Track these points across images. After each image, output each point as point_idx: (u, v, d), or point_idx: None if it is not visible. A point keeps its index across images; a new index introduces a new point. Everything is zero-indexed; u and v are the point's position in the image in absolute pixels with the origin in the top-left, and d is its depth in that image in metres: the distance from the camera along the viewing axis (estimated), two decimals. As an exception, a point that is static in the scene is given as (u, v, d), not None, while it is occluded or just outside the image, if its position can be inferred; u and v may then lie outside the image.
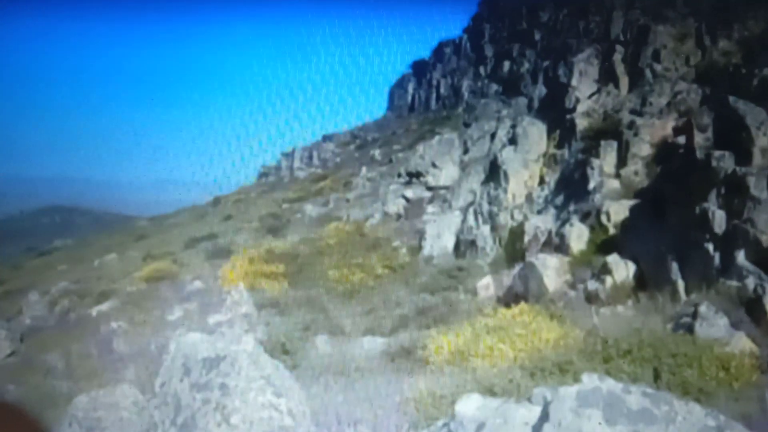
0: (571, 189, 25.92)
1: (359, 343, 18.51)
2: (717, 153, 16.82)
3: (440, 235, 30.81)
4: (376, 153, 59.96)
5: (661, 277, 17.19)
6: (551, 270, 20.50)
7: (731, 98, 17.42)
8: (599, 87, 29.88)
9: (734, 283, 14.51)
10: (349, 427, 10.34)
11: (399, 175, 43.46)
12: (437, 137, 44.11)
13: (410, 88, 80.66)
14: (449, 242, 30.45)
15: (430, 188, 39.77)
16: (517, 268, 22.36)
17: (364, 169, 53.48)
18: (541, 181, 29.21)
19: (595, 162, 24.79)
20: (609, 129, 25.98)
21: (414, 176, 41.49)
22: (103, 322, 24.89)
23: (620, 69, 29.37)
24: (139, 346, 20.62)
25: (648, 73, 27.86)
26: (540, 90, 42.29)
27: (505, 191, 29.27)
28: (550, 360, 12.44)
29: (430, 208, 37.20)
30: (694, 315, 13.46)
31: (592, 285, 18.82)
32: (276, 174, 75.88)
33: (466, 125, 48.32)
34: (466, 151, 41.11)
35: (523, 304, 18.12)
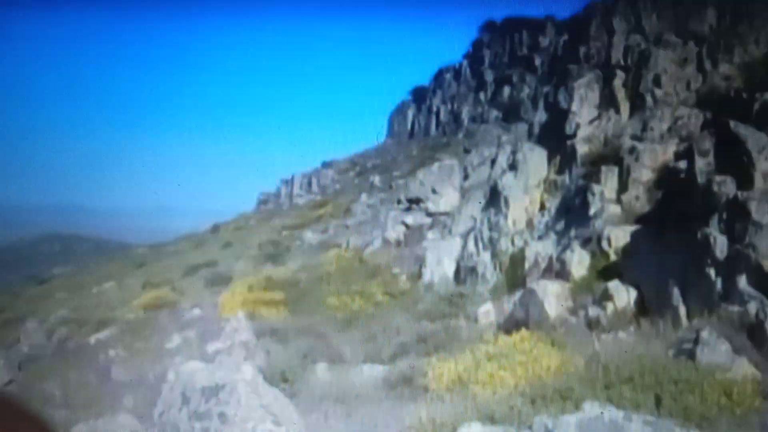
0: (572, 215, 25.87)
1: (359, 370, 18.42)
2: (718, 178, 16.78)
3: (440, 261, 30.72)
4: (376, 179, 60.10)
5: (662, 303, 17.10)
6: (552, 296, 20.41)
7: (732, 123, 17.38)
8: (600, 112, 29.86)
9: (736, 308, 14.42)
10: (348, 456, 10.26)
11: (399, 202, 43.49)
12: (437, 163, 44.17)
13: (410, 114, 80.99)
14: (449, 269, 30.35)
15: (430, 214, 39.74)
16: (517, 295, 22.26)
17: (363, 196, 53.56)
18: (542, 207, 29.15)
19: (596, 187, 24.74)
20: (610, 154, 25.96)
21: (414, 202, 41.50)
22: (102, 351, 24.83)
23: (621, 94, 29.38)
24: (137, 374, 20.57)
25: (649, 98, 27.86)
26: (540, 115, 42.30)
27: (506, 217, 29.20)
28: (551, 387, 12.37)
29: (430, 235, 37.13)
30: (696, 341, 13.37)
31: (593, 311, 18.73)
32: (275, 201, 76.12)
33: (466, 151, 48.50)
34: (466, 177, 41.15)
35: (523, 331, 18.04)
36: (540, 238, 27.09)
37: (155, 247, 70.06)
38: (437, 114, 73.64)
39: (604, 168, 25.16)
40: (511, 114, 54.00)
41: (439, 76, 79.99)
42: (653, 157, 24.33)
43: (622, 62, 31.62)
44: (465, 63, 75.14)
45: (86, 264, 74.01)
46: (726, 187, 16.43)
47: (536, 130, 40.21)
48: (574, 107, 30.41)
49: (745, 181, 16.23)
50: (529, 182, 29.90)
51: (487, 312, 22.96)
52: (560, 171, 29.29)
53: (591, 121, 29.75)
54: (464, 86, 71.97)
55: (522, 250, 26.17)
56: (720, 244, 15.67)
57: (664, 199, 20.81)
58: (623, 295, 18.56)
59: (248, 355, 19.47)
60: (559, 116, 31.73)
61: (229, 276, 36.14)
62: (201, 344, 22.71)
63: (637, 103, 28.52)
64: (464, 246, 30.68)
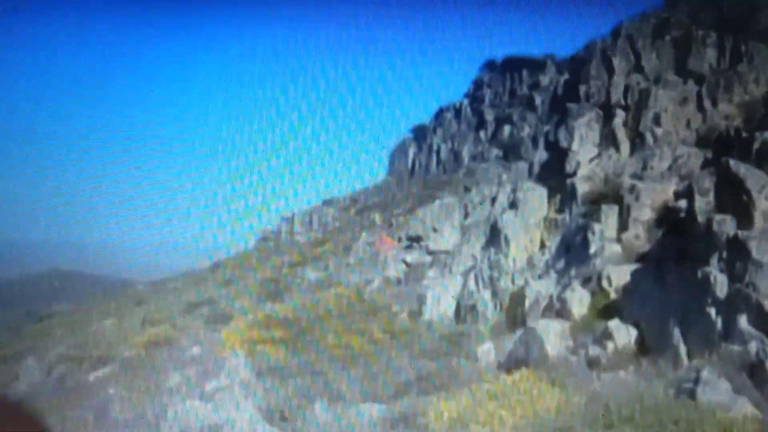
0: (572, 253, 25.89)
1: (359, 409, 18.33)
2: (718, 217, 16.79)
3: (440, 300, 30.69)
4: (377, 217, 60.01)
5: (662, 342, 17.07)
6: (552, 335, 20.37)
7: (732, 162, 17.45)
8: (600, 151, 29.99)
9: (736, 347, 14.40)
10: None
11: (399, 240, 43.47)
12: (437, 202, 44.21)
13: (410, 152, 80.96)
14: (450, 307, 30.31)
15: (430, 253, 39.74)
16: (518, 334, 22.23)
17: (364, 234, 53.43)
18: (542, 246, 29.21)
19: (596, 226, 24.78)
20: (610, 193, 26.03)
21: (414, 240, 41.51)
22: (101, 388, 24.69)
23: (621, 133, 29.51)
24: (136, 412, 20.41)
25: (649, 136, 27.98)
26: (541, 154, 42.36)
27: (506, 256, 29.23)
28: (551, 427, 12.33)
29: (430, 273, 37.09)
30: (697, 380, 13.34)
31: (594, 350, 18.68)
32: (276, 238, 75.85)
33: (467, 189, 48.45)
34: (466, 215, 41.18)
35: (524, 370, 18.00)
36: (540, 276, 27.10)
37: (155, 284, 69.74)
38: (438, 152, 73.66)
39: (604, 206, 25.22)
40: (511, 152, 54.03)
41: (439, 115, 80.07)
42: (653, 195, 24.39)
43: (622, 101, 31.75)
44: (465, 102, 75.26)
45: (86, 301, 73.68)
46: (726, 226, 16.44)
47: (536, 168, 40.31)
48: (575, 146, 30.54)
49: (745, 220, 16.26)
50: (530, 221, 29.96)
51: (488, 351, 22.90)
52: (560, 209, 29.36)
53: (591, 160, 29.85)
54: (465, 125, 72.08)
55: (522, 289, 26.17)
56: (720, 284, 15.66)
57: (664, 237, 20.82)
58: (623, 334, 18.52)
59: (247, 394, 19.37)
60: (559, 155, 31.85)
61: (229, 314, 36.02)
62: (200, 383, 22.57)
63: (637, 142, 28.67)
64: (464, 284, 30.67)
